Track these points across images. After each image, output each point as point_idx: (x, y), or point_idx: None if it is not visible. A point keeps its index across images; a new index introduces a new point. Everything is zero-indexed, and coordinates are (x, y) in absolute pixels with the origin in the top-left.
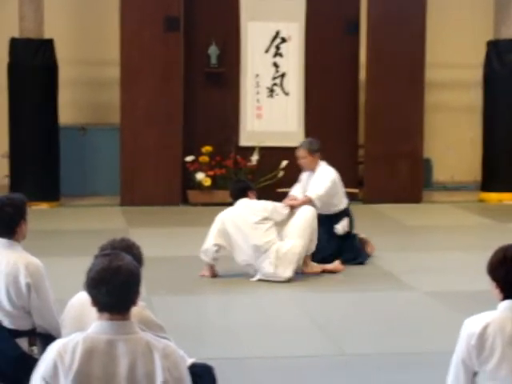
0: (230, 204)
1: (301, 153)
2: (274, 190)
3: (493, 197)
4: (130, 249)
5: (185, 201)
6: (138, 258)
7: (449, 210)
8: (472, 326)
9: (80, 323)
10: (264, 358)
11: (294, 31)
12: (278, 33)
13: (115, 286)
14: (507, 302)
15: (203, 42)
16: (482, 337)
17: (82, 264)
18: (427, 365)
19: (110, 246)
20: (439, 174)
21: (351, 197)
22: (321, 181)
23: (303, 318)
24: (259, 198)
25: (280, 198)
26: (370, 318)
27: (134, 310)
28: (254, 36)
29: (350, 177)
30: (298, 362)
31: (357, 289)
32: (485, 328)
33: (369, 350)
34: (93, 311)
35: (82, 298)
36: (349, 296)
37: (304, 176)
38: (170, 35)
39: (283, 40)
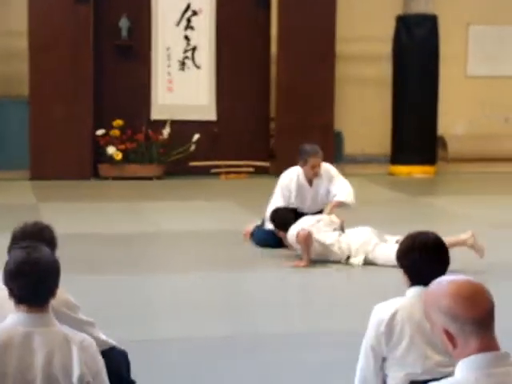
0: (142, 178)
1: (320, 160)
2: (186, 164)
3: (402, 170)
4: (42, 233)
5: (96, 175)
6: (50, 241)
7: (359, 183)
8: (381, 312)
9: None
10: (177, 340)
11: (205, 4)
12: (188, 5)
13: (33, 279)
14: (415, 289)
15: (114, 14)
16: (390, 323)
17: None
18: (339, 344)
19: (21, 231)
20: (350, 147)
21: (262, 170)
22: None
23: (217, 297)
24: (170, 171)
25: (192, 171)
26: (284, 297)
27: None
28: (165, 9)
29: (261, 149)
30: (211, 342)
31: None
32: (394, 314)
33: (282, 329)
34: (9, 304)
35: None
36: (266, 275)
37: (300, 184)
38: (80, 7)
39: (194, 13)
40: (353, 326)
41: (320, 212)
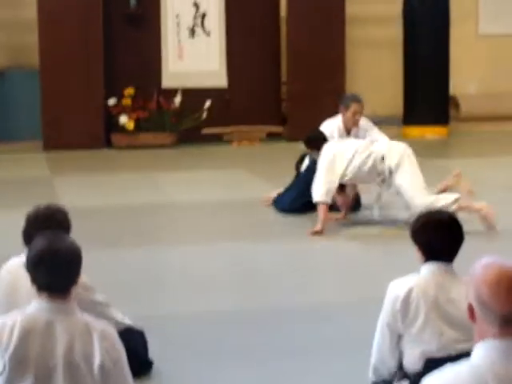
0: (154, 146)
1: (362, 108)
2: (198, 131)
3: (415, 130)
4: (55, 216)
5: (108, 144)
6: (64, 224)
7: None
8: (396, 289)
9: (13, 299)
10: (193, 314)
11: None
12: None
13: (55, 267)
14: (429, 266)
15: None
16: (406, 301)
17: (3, 217)
18: (355, 316)
19: (35, 215)
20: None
21: (275, 135)
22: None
23: (235, 269)
24: (183, 139)
25: (205, 139)
26: (298, 268)
27: None
28: None
29: (273, 114)
30: (226, 316)
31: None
32: (409, 292)
33: (297, 302)
34: (25, 284)
35: (12, 270)
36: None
37: (340, 134)
38: None
39: None
40: (368, 297)
41: None
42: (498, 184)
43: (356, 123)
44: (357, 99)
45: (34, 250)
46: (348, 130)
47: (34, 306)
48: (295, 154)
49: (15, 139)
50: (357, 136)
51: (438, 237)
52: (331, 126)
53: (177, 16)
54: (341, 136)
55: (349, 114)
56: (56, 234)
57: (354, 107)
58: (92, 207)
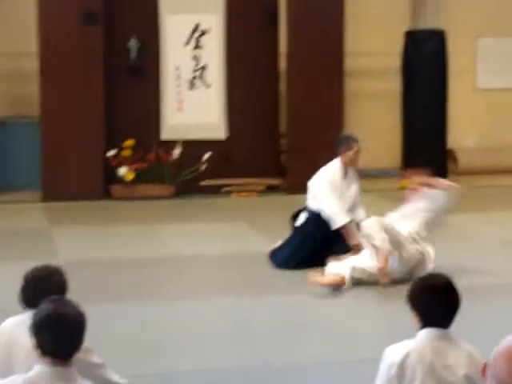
0: (153, 197)
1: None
2: (197, 183)
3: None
4: (52, 277)
5: (107, 195)
6: (60, 285)
7: (371, 199)
8: (392, 355)
9: (9, 359)
10: (192, 372)
11: (214, 23)
12: (197, 25)
13: (59, 333)
14: (426, 332)
15: (123, 35)
16: (402, 366)
17: (1, 269)
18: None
19: (31, 276)
20: (360, 162)
21: (274, 187)
22: None
23: (233, 325)
24: (182, 190)
25: (203, 190)
26: (296, 325)
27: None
28: (173, 29)
29: (273, 166)
30: (223, 375)
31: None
32: (405, 357)
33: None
34: (22, 344)
35: (9, 330)
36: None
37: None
38: (89, 28)
39: (203, 32)
40: (364, 356)
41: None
42: (494, 240)
43: (356, 162)
44: (356, 139)
45: (40, 315)
46: (345, 172)
47: (35, 370)
48: (294, 206)
49: (14, 189)
50: (353, 178)
51: (435, 303)
52: (332, 168)
53: (177, 68)
54: (341, 179)
55: (351, 153)
56: (62, 300)
57: (356, 146)
58: (90, 259)
